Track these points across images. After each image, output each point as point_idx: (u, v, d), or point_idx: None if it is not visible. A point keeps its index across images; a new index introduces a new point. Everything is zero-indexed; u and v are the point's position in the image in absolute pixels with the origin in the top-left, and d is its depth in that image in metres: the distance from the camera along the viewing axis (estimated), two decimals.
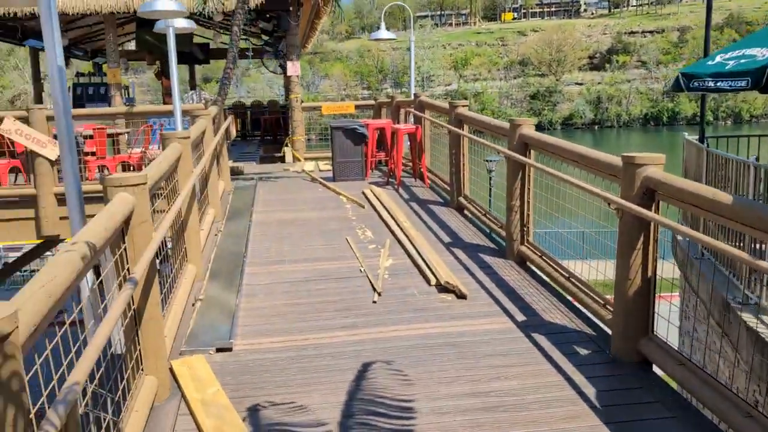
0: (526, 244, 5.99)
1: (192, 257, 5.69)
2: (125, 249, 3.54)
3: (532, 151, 5.83)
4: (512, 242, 6.07)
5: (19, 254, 19.85)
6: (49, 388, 2.22)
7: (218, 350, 4.34)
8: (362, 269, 5.88)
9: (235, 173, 11.07)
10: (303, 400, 3.67)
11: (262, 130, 18.02)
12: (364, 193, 9.12)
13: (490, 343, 4.36)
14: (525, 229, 5.99)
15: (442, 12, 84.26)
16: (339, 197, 9.09)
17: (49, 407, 2.02)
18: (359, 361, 4.12)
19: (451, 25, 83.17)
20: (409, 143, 10.42)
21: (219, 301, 5.22)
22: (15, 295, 2.16)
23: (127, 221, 3.53)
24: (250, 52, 14.08)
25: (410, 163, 10.62)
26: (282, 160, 13.29)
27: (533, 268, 5.80)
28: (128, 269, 3.52)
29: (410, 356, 4.17)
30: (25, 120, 8.92)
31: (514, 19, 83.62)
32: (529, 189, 5.93)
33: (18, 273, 19.70)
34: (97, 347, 2.36)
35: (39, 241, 12.70)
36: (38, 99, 19.38)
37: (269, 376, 3.96)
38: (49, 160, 8.97)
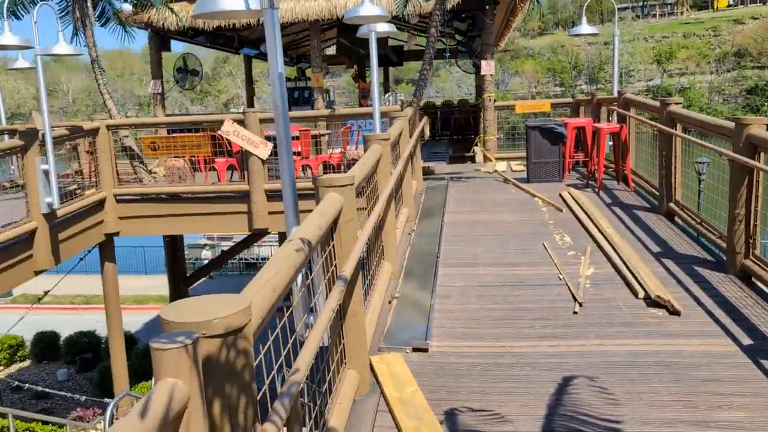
0: (751, 257, 5.33)
1: (388, 255, 5.83)
2: (333, 246, 3.68)
3: (762, 154, 5.17)
4: (734, 255, 5.43)
5: (230, 243, 22.01)
6: (270, 377, 2.35)
7: (414, 350, 4.38)
8: (561, 277, 5.62)
9: (427, 173, 11.23)
10: (501, 409, 3.56)
11: (452, 130, 18.15)
12: (561, 196, 8.75)
13: (709, 366, 3.93)
14: (751, 240, 5.33)
15: (644, 3, 78.81)
16: (534, 199, 8.82)
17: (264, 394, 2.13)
18: (560, 374, 3.92)
19: (654, 16, 77.50)
20: (611, 143, 9.82)
21: (414, 301, 5.28)
22: (245, 288, 2.31)
23: (335, 220, 3.67)
24: (447, 53, 14.20)
25: (611, 165, 10.01)
26: (472, 160, 13.24)
27: (760, 284, 5.14)
28: (336, 265, 3.67)
29: (616, 374, 3.89)
30: (241, 122, 9.74)
31: (730, 6, 75.74)
32: (757, 196, 5.26)
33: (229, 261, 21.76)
34: (315, 342, 2.46)
35: (248, 233, 13.92)
36: (250, 102, 21.25)
37: (466, 381, 3.91)
38: (261, 159, 9.72)
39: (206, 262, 22.47)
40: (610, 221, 7.26)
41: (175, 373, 1.72)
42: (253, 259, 24.73)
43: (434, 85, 65.83)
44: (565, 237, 6.87)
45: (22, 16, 11.24)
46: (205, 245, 25.73)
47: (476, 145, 13.38)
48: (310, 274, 3.66)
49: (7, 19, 8.07)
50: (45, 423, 7.08)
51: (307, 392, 3.08)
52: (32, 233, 8.06)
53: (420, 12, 11.92)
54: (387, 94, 15.15)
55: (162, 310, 1.92)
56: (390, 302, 5.21)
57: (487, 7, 12.36)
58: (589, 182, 9.51)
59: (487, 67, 12.51)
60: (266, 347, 2.34)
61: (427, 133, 12.52)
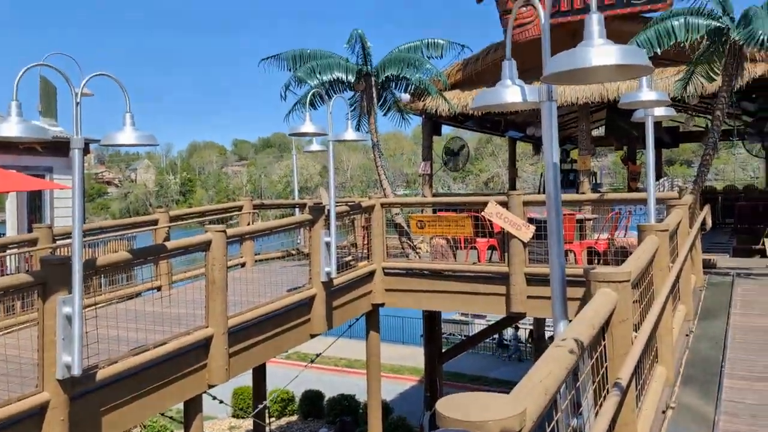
0: None
1: (662, 359, 5.28)
2: (604, 346, 3.45)
3: None
4: None
5: (483, 322, 22.07)
6: None
7: None
8: None
9: (707, 266, 10.12)
10: None
11: (736, 218, 16.31)
12: None
13: None
14: None
15: None
16: None
17: None
18: None
19: None
20: None
21: (693, 414, 4.68)
22: (516, 388, 2.24)
23: (608, 318, 3.45)
24: (733, 136, 12.95)
25: None
26: (762, 254, 11.68)
27: None
28: (606, 368, 3.42)
29: None
30: (504, 204, 9.83)
31: None
32: None
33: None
34: None
35: (502, 316, 13.79)
36: (512, 184, 21.53)
37: None
38: (522, 242, 9.65)
39: (461, 338, 22.76)
40: None
41: None
42: (506, 341, 24.41)
43: (714, 167, 60.03)
44: None
45: (318, 106, 12.95)
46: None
47: (767, 237, 11.78)
48: (578, 375, 3.46)
49: (308, 110, 9.29)
50: None
51: None
52: (311, 299, 8.92)
53: (702, 93, 11.08)
54: (662, 179, 14.21)
55: (438, 403, 1.94)
56: (664, 412, 4.68)
57: None
58: None
59: None
60: None
61: (709, 223, 11.37)
